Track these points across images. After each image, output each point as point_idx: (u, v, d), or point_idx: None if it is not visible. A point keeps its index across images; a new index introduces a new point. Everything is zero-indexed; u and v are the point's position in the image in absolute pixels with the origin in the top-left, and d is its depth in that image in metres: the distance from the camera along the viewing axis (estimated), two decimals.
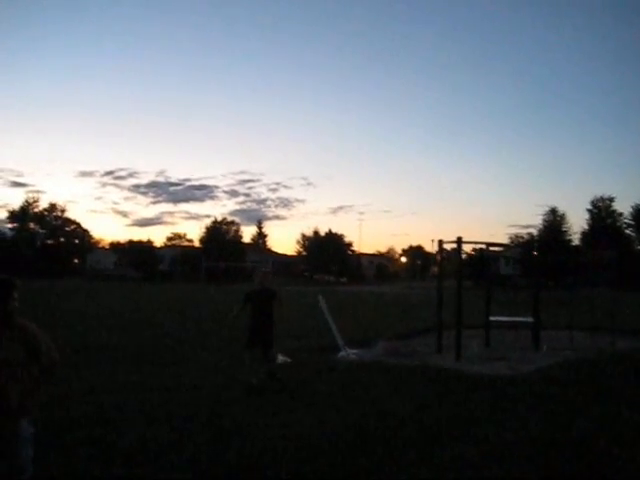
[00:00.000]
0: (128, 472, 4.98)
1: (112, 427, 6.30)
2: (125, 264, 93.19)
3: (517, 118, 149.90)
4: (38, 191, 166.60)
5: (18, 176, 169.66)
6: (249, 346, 9.02)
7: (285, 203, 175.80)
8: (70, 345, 12.83)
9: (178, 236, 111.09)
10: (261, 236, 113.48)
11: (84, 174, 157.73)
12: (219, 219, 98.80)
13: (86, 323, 17.94)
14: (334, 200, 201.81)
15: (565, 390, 8.73)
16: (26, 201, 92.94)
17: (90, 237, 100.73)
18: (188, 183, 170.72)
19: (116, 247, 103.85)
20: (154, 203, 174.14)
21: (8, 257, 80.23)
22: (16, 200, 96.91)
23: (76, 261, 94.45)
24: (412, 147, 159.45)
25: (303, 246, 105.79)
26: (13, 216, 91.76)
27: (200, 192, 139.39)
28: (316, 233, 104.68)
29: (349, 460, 5.39)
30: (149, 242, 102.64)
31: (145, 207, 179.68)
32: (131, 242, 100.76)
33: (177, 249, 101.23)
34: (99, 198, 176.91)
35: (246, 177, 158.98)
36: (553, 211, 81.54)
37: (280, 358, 11.24)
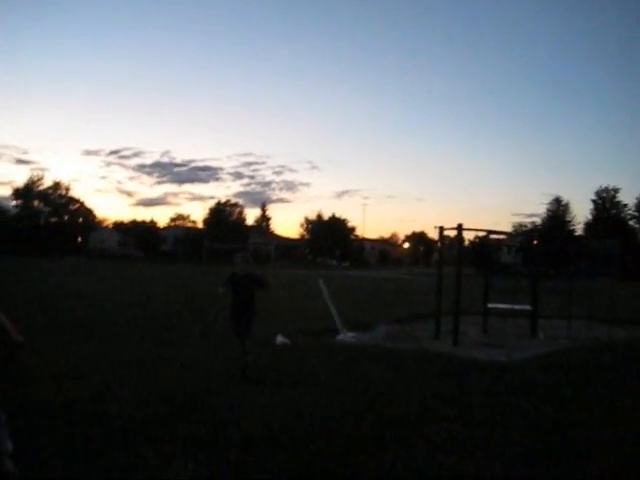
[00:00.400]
0: (126, 445, 5.12)
1: (111, 402, 6.45)
2: (128, 244, 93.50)
3: (524, 107, 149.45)
4: (43, 169, 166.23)
5: (23, 153, 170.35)
6: (238, 334, 8.53)
7: (290, 186, 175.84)
8: (64, 322, 13.03)
9: (182, 217, 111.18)
10: (265, 219, 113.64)
11: (89, 153, 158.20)
12: (223, 201, 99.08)
13: (80, 301, 18.10)
14: (339, 184, 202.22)
15: (558, 377, 8.87)
16: (30, 179, 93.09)
17: (94, 216, 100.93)
18: (193, 164, 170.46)
19: (120, 226, 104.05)
20: (158, 183, 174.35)
21: (11, 234, 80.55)
22: (20, 177, 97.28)
23: (79, 240, 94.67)
24: (418, 133, 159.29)
25: (306, 230, 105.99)
26: (17, 193, 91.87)
27: (205, 173, 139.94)
28: (320, 217, 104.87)
29: (343, 438, 5.52)
30: (152, 222, 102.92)
31: (149, 187, 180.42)
32: (135, 222, 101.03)
33: (180, 230, 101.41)
34: (104, 177, 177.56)
35: (251, 159, 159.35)
36: (557, 200, 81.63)
37: (279, 339, 11.40)
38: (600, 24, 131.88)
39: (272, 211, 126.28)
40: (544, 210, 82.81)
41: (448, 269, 15.09)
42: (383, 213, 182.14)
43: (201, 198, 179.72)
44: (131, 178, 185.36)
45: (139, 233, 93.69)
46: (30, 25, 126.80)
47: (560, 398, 7.53)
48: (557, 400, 7.43)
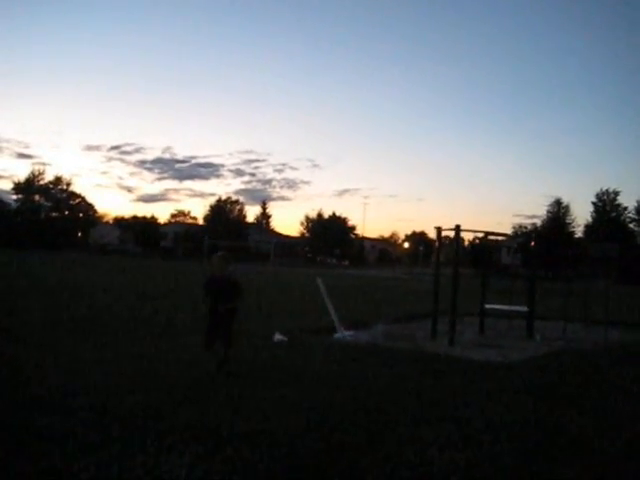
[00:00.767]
0: (125, 436, 5.21)
1: (111, 394, 6.55)
2: (129, 239, 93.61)
3: (525, 108, 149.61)
4: (44, 163, 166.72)
5: (24, 148, 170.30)
6: (208, 346, 8.11)
7: (290, 184, 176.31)
8: (61, 315, 13.10)
9: (182, 213, 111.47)
10: (265, 216, 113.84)
11: (90, 148, 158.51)
12: (224, 198, 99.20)
13: (76, 295, 18.19)
14: (340, 183, 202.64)
15: (553, 378, 8.97)
16: (31, 173, 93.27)
17: (94, 211, 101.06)
18: (194, 160, 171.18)
19: (120, 222, 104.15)
20: (159, 179, 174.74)
21: (12, 228, 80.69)
22: (21, 172, 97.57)
23: (80, 235, 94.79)
24: (420, 133, 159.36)
25: (307, 228, 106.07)
26: (18, 188, 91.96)
27: (206, 170, 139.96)
28: (320, 215, 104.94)
29: (338, 435, 5.62)
30: (153, 218, 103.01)
31: (150, 183, 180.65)
32: (135, 217, 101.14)
33: (181, 226, 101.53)
34: (105, 173, 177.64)
35: (252, 157, 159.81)
36: (558, 202, 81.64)
37: (277, 337, 11.49)
38: (604, 27, 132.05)
39: (272, 209, 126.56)
40: (544, 212, 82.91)
41: (447, 269, 15.18)
42: (383, 212, 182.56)
43: (202, 195, 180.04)
44: (132, 174, 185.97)
45: (139, 229, 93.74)
46: (32, 20, 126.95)
47: (555, 399, 7.62)
48: (552, 401, 7.52)
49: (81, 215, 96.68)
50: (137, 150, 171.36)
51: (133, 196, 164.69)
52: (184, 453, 4.88)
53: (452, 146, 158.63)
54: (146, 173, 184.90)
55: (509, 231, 71.50)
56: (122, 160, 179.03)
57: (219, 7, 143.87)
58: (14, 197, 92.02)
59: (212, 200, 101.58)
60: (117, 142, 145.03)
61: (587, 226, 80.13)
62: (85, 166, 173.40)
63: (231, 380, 7.68)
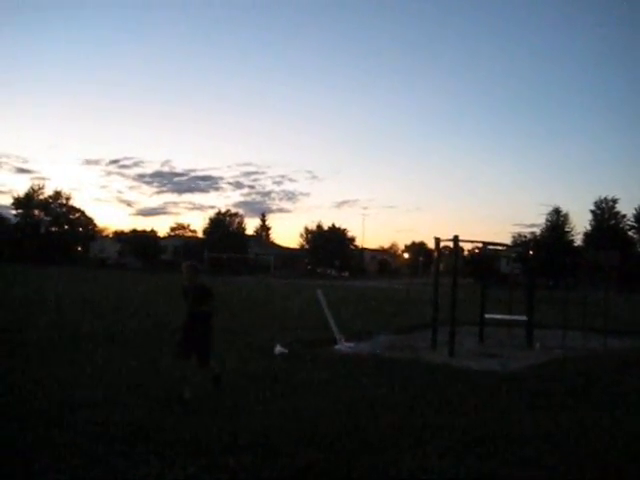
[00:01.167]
0: (128, 449, 5.29)
1: (113, 408, 6.62)
2: (128, 253, 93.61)
3: (523, 117, 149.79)
4: (43, 178, 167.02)
5: (23, 162, 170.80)
6: (180, 356, 7.69)
7: (289, 196, 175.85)
8: (62, 330, 13.15)
9: (182, 226, 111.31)
10: (264, 229, 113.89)
11: (89, 162, 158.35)
12: (223, 210, 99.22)
13: (75, 309, 18.25)
14: (338, 194, 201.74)
15: (552, 386, 9.03)
16: (31, 188, 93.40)
17: (94, 225, 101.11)
18: (193, 174, 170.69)
19: (120, 236, 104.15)
20: (158, 193, 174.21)
21: (12, 243, 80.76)
22: (21, 186, 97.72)
23: (79, 249, 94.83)
24: (418, 143, 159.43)
25: (306, 240, 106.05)
26: (18, 203, 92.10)
27: (205, 183, 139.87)
28: (319, 227, 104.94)
29: (338, 444, 5.69)
30: (153, 232, 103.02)
31: (149, 197, 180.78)
32: (135, 231, 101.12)
33: (180, 239, 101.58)
34: (104, 187, 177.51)
35: (251, 169, 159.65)
36: (557, 211, 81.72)
37: (278, 349, 11.55)
38: (602, 35, 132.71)
39: (272, 221, 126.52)
40: (544, 220, 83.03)
41: (446, 279, 15.27)
42: (383, 223, 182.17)
43: (201, 208, 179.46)
44: (131, 187, 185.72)
45: (139, 243, 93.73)
46: (30, 33, 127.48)
47: (555, 407, 7.69)
48: (552, 409, 7.59)
49: (81, 229, 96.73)
50: (136, 164, 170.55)
51: (132, 210, 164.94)
52: (187, 465, 4.96)
53: (450, 156, 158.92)
54: (145, 187, 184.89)
55: (508, 240, 71.59)
56: (121, 174, 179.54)
57: (217, 19, 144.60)
58: (14, 212, 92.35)
59: (211, 213, 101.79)
60: (116, 156, 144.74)
61: (586, 234, 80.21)
62: (84, 180, 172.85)
63: (223, 391, 7.62)
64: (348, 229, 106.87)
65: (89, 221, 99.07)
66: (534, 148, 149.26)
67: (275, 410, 6.93)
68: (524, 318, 14.94)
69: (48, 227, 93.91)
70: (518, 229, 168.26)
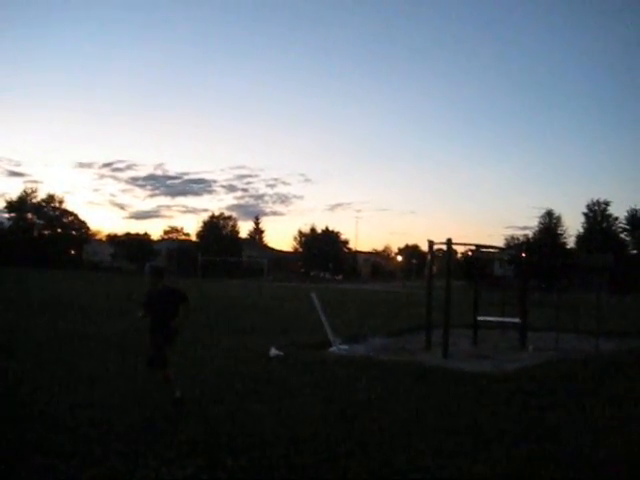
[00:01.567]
0: (127, 450, 5.35)
1: (111, 410, 6.68)
2: (121, 256, 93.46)
3: (516, 121, 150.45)
4: (36, 181, 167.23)
5: (16, 165, 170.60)
6: (151, 363, 7.26)
7: (283, 199, 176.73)
8: (57, 332, 13.18)
9: (175, 230, 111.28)
10: (258, 232, 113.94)
11: (82, 165, 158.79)
12: (216, 214, 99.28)
13: (70, 311, 18.26)
14: (332, 197, 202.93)
15: (544, 387, 9.13)
16: (24, 191, 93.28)
17: (87, 229, 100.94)
18: (186, 177, 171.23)
19: (113, 239, 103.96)
20: (151, 196, 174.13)
21: (5, 247, 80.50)
22: (13, 190, 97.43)
23: (73, 252, 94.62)
24: (411, 146, 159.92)
25: (300, 243, 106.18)
26: (11, 206, 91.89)
27: (198, 186, 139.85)
28: (313, 230, 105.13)
29: (333, 444, 5.77)
30: (146, 235, 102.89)
31: (142, 200, 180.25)
32: (128, 234, 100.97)
33: (174, 243, 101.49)
34: (97, 190, 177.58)
35: (244, 172, 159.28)
36: (549, 214, 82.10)
37: (273, 352, 11.61)
38: (595, 39, 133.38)
39: (265, 224, 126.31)
40: (536, 223, 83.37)
41: (440, 282, 15.36)
42: (376, 226, 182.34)
43: (194, 211, 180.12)
44: (124, 191, 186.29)
45: (132, 246, 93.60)
46: (23, 38, 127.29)
47: (547, 408, 7.78)
48: (544, 410, 7.68)
49: (74, 233, 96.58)
50: (129, 167, 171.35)
51: (125, 213, 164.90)
52: (186, 466, 5.03)
53: (444, 159, 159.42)
54: (138, 190, 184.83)
55: (501, 243, 71.86)
56: (114, 177, 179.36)
57: (209, 23, 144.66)
58: (6, 215, 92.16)
59: (205, 216, 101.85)
60: (109, 159, 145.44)
61: (578, 237, 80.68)
62: (77, 184, 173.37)
63: (179, 407, 6.94)
64: (341, 232, 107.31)
65: (82, 224, 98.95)
66: (527, 151, 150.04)
67: (271, 412, 7.00)
68: (517, 320, 15.05)
69: (41, 230, 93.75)
70: (511, 232, 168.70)
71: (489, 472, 5.22)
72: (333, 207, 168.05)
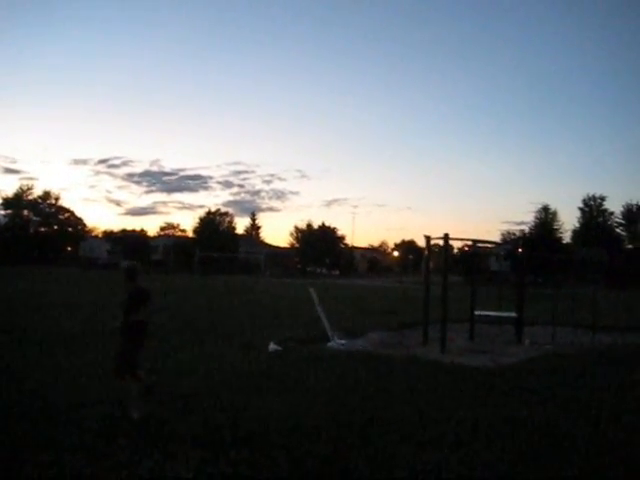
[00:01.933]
0: (132, 444, 5.43)
1: (114, 406, 6.76)
2: (118, 253, 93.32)
3: (512, 117, 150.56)
4: (31, 178, 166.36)
5: (11, 163, 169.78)
6: (118, 372, 6.78)
7: (279, 195, 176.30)
8: (57, 331, 13.23)
9: (171, 226, 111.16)
10: (254, 228, 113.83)
11: (78, 162, 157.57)
12: (213, 210, 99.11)
13: (73, 310, 18.31)
14: (328, 193, 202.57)
15: (541, 380, 9.24)
16: (20, 188, 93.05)
17: (84, 225, 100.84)
18: (182, 173, 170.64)
19: (109, 236, 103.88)
20: (147, 192, 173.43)
21: (1, 244, 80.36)
22: (9, 187, 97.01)
23: (69, 249, 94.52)
24: (408, 142, 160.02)
25: (296, 238, 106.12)
26: (7, 203, 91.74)
27: (194, 182, 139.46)
28: (309, 226, 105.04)
29: (333, 437, 5.86)
30: (142, 231, 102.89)
31: (138, 196, 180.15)
32: (124, 231, 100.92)
33: (171, 239, 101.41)
34: (93, 186, 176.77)
35: (240, 168, 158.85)
36: (545, 209, 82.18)
37: (272, 347, 11.70)
38: (589, 34, 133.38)
39: (262, 220, 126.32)
40: (532, 218, 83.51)
41: (436, 277, 15.45)
42: (372, 221, 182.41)
43: (190, 207, 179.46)
44: (120, 187, 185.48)
45: (129, 242, 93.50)
46: (18, 35, 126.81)
47: (544, 400, 7.89)
48: (541, 402, 7.78)
49: (70, 229, 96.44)
50: (125, 163, 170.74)
51: (121, 209, 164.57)
52: (189, 458, 5.11)
53: (440, 155, 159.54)
54: (134, 186, 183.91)
55: (498, 238, 71.98)
56: (110, 174, 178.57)
57: (205, 20, 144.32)
58: (3, 212, 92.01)
59: (201, 212, 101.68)
60: (105, 155, 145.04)
61: (574, 231, 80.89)
62: (73, 180, 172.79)
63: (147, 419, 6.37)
64: (338, 228, 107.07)
65: (79, 221, 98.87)
66: (523, 147, 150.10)
67: (271, 405, 7.08)
68: (514, 315, 15.15)
69: (37, 227, 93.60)
70: (507, 227, 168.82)
71: (489, 463, 5.31)
72: (329, 203, 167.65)
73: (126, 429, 5.89)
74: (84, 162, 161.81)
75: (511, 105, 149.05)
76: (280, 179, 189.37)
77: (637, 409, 7.63)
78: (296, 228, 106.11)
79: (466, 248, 60.91)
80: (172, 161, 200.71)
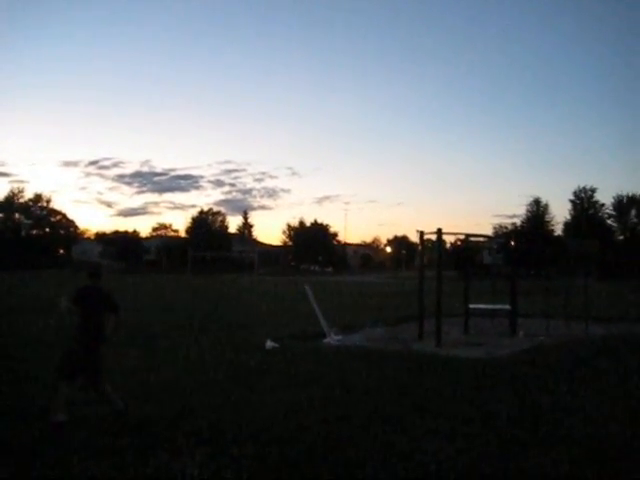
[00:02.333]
0: (137, 442, 5.52)
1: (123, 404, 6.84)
2: (110, 255, 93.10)
3: (503, 110, 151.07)
4: (21, 181, 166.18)
5: (1, 166, 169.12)
6: (69, 376, 6.20)
7: (270, 193, 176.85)
8: (58, 333, 13.27)
9: (164, 226, 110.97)
10: (247, 226, 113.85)
11: (68, 164, 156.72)
12: (204, 209, 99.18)
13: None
14: (319, 190, 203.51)
15: (535, 371, 9.37)
16: (11, 191, 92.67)
17: (76, 228, 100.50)
18: (173, 173, 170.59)
19: (101, 238, 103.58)
20: (139, 193, 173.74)
21: None
22: None
23: (62, 252, 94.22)
24: (398, 138, 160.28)
25: (289, 236, 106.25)
26: None
27: (185, 182, 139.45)
28: (302, 223, 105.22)
29: (333, 430, 5.96)
30: (135, 232, 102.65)
31: (129, 197, 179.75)
32: (117, 232, 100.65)
33: (163, 239, 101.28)
34: (83, 188, 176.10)
35: (231, 167, 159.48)
36: (536, 202, 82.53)
37: (269, 344, 11.80)
38: (582, 28, 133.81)
39: (254, 218, 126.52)
40: (524, 211, 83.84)
41: (430, 272, 15.56)
42: (364, 218, 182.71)
43: (182, 207, 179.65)
44: (111, 188, 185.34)
45: (121, 244, 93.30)
46: (7, 37, 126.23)
47: (538, 391, 8.01)
48: (533, 392, 7.91)
49: (62, 232, 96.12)
50: (115, 164, 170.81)
51: (113, 211, 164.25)
52: (194, 455, 5.20)
53: (431, 150, 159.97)
54: (125, 187, 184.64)
55: (490, 231, 72.33)
56: (100, 175, 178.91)
57: (196, 19, 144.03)
58: None
59: (193, 212, 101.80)
60: (95, 157, 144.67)
61: (566, 224, 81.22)
62: (63, 182, 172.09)
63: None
64: (330, 224, 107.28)
65: (70, 223, 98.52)
66: (513, 141, 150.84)
67: (271, 401, 7.18)
68: (507, 307, 15.29)
69: (29, 231, 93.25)
70: (499, 220, 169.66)
71: (487, 453, 5.42)
72: (321, 200, 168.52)
73: (133, 428, 5.97)
74: (74, 164, 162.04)
75: (501, 99, 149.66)
76: (271, 177, 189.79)
77: (632, 399, 7.75)
78: (288, 226, 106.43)
79: (459, 243, 61.19)
80: (163, 161, 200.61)
